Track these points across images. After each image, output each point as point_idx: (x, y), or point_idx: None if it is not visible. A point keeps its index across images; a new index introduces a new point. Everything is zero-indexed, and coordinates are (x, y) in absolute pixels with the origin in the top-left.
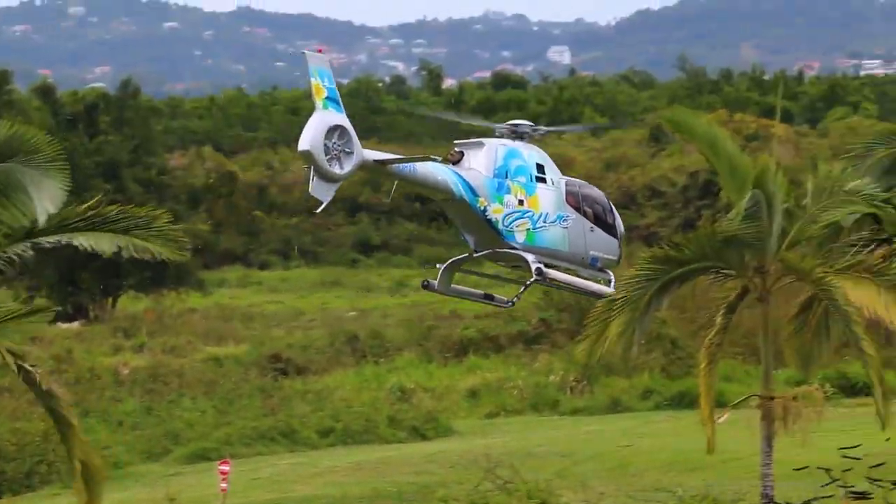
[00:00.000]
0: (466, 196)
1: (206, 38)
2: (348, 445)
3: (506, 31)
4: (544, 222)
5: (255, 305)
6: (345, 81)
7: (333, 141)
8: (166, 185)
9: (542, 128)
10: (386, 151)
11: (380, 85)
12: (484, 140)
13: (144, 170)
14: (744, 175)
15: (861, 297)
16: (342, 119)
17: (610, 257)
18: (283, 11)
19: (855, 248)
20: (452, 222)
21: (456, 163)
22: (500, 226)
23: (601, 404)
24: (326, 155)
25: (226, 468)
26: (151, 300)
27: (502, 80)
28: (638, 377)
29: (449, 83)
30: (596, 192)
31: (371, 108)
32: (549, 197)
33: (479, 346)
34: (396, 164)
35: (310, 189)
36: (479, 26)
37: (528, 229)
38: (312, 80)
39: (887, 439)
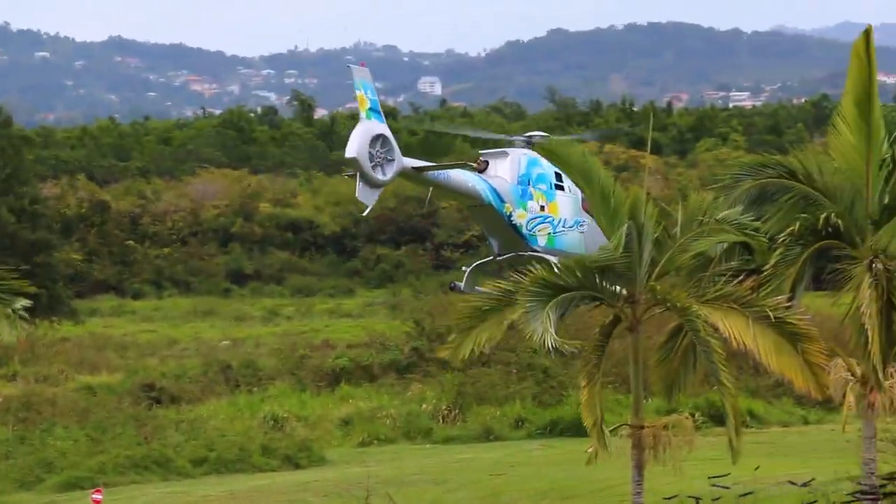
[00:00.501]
0: (494, 202)
1: (77, 68)
2: (222, 474)
3: (377, 61)
4: (563, 227)
5: (128, 334)
6: (216, 111)
7: (377, 149)
8: (39, 215)
9: (556, 138)
10: (261, 178)
11: (252, 115)
12: (508, 150)
13: (17, 199)
14: (616, 205)
15: (731, 327)
16: (384, 128)
17: None
18: (154, 41)
19: (724, 279)
20: (478, 227)
21: (481, 171)
22: (523, 230)
23: (473, 433)
24: (371, 162)
25: (99, 497)
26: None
27: None
28: (510, 406)
29: (321, 113)
30: None
31: (243, 137)
32: (567, 203)
33: (351, 376)
34: (433, 172)
35: (356, 194)
36: (350, 57)
37: (550, 233)
38: (357, 91)
39: (756, 468)
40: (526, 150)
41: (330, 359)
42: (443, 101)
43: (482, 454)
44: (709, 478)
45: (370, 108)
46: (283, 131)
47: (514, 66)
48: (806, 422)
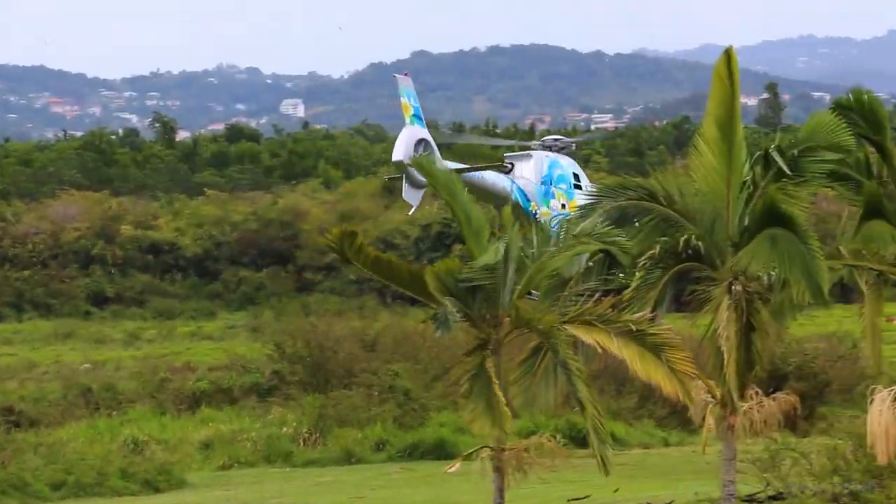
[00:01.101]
0: (521, 201)
1: None
2: (80, 498)
3: (239, 83)
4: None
5: None
6: (78, 133)
7: (420, 152)
8: None
9: (567, 139)
10: (123, 201)
11: (113, 137)
12: (531, 152)
13: None
14: (479, 224)
15: (596, 340)
16: (426, 133)
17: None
18: (14, 63)
19: (584, 297)
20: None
21: (507, 173)
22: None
23: (334, 456)
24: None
25: None
26: None
27: (236, 133)
28: (371, 428)
29: (183, 135)
30: None
31: (104, 160)
32: (584, 200)
33: (212, 398)
34: (469, 173)
35: (403, 195)
36: (212, 79)
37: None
38: (402, 99)
39: (616, 490)
40: (547, 153)
41: (190, 381)
42: (305, 124)
43: (343, 477)
44: (568, 501)
45: (413, 115)
46: (145, 153)
47: (377, 88)
48: (667, 443)
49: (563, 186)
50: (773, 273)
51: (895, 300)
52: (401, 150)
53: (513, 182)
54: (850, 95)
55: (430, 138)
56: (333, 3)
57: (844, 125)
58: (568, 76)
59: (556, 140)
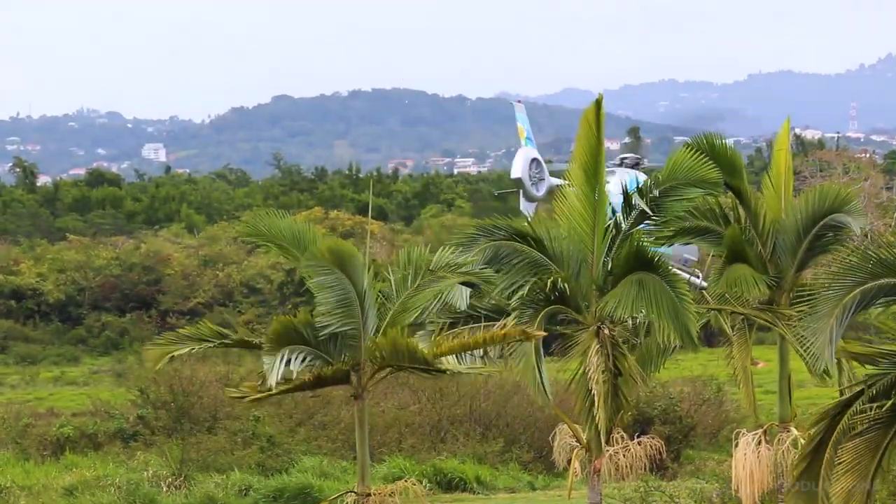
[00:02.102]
0: (611, 215)
1: None
2: None
3: (100, 128)
4: None
5: None
6: None
7: (533, 170)
8: None
9: (635, 156)
10: None
11: None
12: (615, 169)
13: None
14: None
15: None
16: (537, 153)
17: (693, 258)
18: None
19: (457, 329)
20: None
21: None
22: None
23: (198, 501)
24: (530, 181)
25: None
26: None
27: (98, 178)
28: (235, 474)
29: (44, 180)
30: None
31: None
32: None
33: (76, 444)
34: None
35: (520, 207)
36: (73, 123)
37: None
38: (518, 124)
39: None
40: (628, 170)
41: (54, 427)
42: (168, 168)
43: None
44: None
45: (527, 137)
46: (5, 199)
47: (239, 132)
48: (533, 487)
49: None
50: (638, 317)
51: (761, 344)
52: (518, 168)
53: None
54: (703, 140)
55: (540, 158)
56: (194, 48)
57: (706, 159)
58: (430, 120)
59: (636, 158)
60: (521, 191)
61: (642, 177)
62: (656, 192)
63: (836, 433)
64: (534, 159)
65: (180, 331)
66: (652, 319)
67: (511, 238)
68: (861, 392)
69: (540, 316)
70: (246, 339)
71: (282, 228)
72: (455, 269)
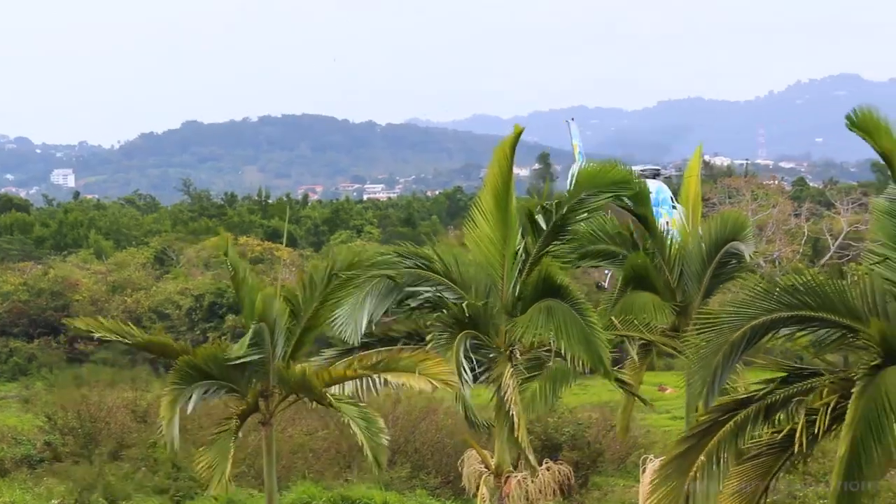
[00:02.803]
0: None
1: None
2: None
3: (8, 153)
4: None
5: None
6: None
7: None
8: None
9: (653, 167)
10: None
11: None
12: (646, 180)
13: None
14: (251, 300)
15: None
16: None
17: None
18: None
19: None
20: None
21: None
22: None
23: None
24: None
25: None
26: None
27: (6, 203)
28: (142, 501)
29: None
30: None
31: None
32: (679, 218)
33: None
34: None
35: None
36: None
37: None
38: (573, 140)
39: None
40: (655, 181)
41: None
42: (76, 194)
43: None
44: None
45: (580, 152)
46: None
47: (149, 157)
48: None
49: (666, 207)
50: (546, 343)
51: (668, 370)
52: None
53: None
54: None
55: None
56: (104, 73)
57: (614, 164)
58: (340, 146)
59: (654, 169)
60: None
61: (664, 186)
62: (563, 210)
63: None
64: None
65: (101, 319)
66: (561, 346)
67: (421, 266)
68: (754, 399)
69: (456, 340)
70: (159, 341)
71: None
72: (366, 267)
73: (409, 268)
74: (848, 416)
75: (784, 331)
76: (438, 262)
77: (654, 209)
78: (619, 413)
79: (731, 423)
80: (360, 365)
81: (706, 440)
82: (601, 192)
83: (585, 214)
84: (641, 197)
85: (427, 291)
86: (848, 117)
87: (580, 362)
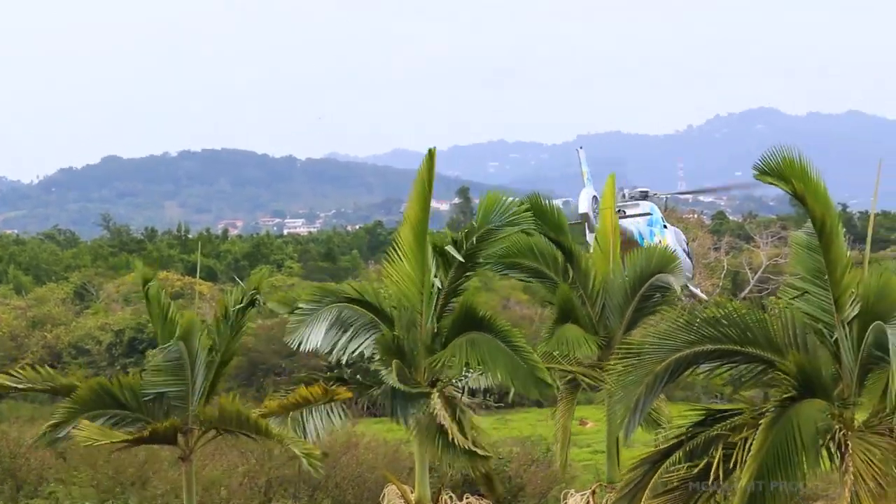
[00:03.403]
0: (637, 238)
1: None
2: None
3: None
4: (673, 250)
5: None
6: None
7: (594, 206)
8: None
9: (644, 190)
10: None
11: None
12: (638, 201)
13: None
14: (171, 331)
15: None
16: (596, 193)
17: (689, 275)
18: None
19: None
20: None
21: (621, 218)
22: None
23: None
24: (593, 214)
25: None
26: None
27: None
28: None
29: None
30: (681, 234)
31: None
32: (670, 236)
33: None
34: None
35: (585, 238)
36: None
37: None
38: (583, 167)
39: None
40: (646, 202)
41: None
42: None
43: None
44: None
45: (588, 178)
46: None
47: (68, 193)
48: None
49: (658, 226)
50: (467, 376)
51: (588, 404)
52: (584, 204)
53: (633, 224)
54: (531, 200)
55: (598, 196)
56: (23, 108)
57: (518, 202)
58: (260, 181)
59: (643, 191)
60: (586, 224)
61: (656, 207)
62: (473, 240)
63: (652, 482)
64: (594, 196)
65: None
66: (488, 377)
67: (349, 301)
68: (680, 444)
69: (392, 371)
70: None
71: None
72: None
73: (341, 302)
74: (754, 447)
75: (705, 366)
76: (359, 298)
77: (649, 229)
78: (558, 448)
79: (658, 473)
80: (287, 401)
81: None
82: (507, 226)
83: (496, 241)
84: (561, 228)
85: (361, 322)
86: (756, 167)
87: (513, 391)
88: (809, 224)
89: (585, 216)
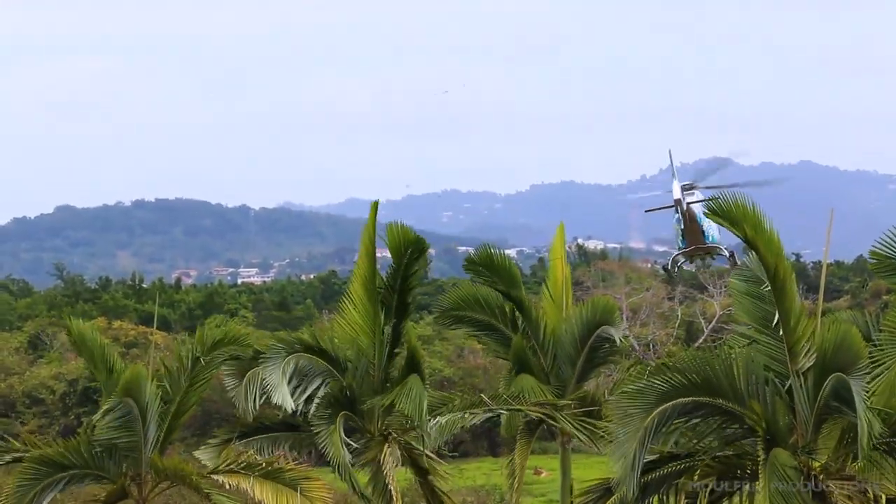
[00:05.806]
0: (700, 219)
1: None
2: None
3: None
4: (713, 232)
5: None
6: None
7: (684, 195)
8: None
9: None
10: None
11: None
12: (694, 191)
13: None
14: (117, 382)
15: (237, 484)
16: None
17: (726, 253)
18: None
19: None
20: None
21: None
22: (707, 234)
23: None
24: (684, 200)
25: None
26: None
27: None
28: None
29: None
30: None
31: None
32: (707, 220)
33: None
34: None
35: (673, 223)
36: None
37: (712, 235)
38: (672, 164)
39: None
40: (695, 192)
41: None
42: None
43: None
44: None
45: (675, 174)
46: None
47: (21, 242)
48: None
49: (705, 212)
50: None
51: (543, 453)
52: (677, 191)
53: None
54: (482, 252)
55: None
56: None
57: (487, 247)
58: (213, 230)
59: (689, 183)
60: (677, 209)
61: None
62: (399, 280)
63: None
64: (682, 186)
65: None
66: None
67: (306, 349)
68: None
69: (339, 418)
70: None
71: (84, 331)
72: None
73: (298, 351)
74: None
75: (678, 420)
76: (316, 347)
77: (701, 212)
78: (512, 489)
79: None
80: (241, 464)
81: None
82: (413, 255)
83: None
84: (513, 279)
85: (316, 372)
86: (708, 206)
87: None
88: (742, 270)
89: (678, 202)
